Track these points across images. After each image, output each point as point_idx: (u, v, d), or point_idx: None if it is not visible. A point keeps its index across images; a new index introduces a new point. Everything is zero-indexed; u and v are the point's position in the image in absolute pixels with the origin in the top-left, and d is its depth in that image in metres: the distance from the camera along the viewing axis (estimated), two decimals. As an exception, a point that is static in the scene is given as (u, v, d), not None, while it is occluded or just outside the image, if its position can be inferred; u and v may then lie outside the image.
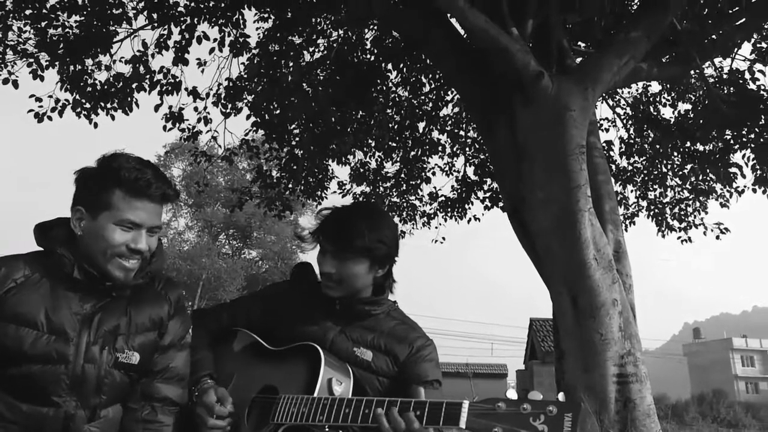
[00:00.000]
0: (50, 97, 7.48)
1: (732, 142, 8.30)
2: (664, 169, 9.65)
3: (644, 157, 9.72)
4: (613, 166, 9.67)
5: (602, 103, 9.57)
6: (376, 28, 8.42)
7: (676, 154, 9.32)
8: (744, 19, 6.14)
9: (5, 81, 7.17)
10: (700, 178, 9.36)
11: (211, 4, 7.53)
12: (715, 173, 8.86)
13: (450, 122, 9.95)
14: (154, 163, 1.71)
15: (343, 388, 1.74)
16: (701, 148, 8.91)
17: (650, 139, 9.47)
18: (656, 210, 9.95)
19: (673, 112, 9.24)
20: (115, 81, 7.63)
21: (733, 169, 8.51)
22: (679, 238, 9.92)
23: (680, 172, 9.52)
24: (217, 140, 8.64)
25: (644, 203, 10.06)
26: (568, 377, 5.00)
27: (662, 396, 32.85)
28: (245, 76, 8.17)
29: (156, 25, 7.56)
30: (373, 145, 9.59)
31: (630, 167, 9.87)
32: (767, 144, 7.85)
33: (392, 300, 2.02)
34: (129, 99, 7.69)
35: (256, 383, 1.83)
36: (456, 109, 9.81)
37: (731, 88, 7.93)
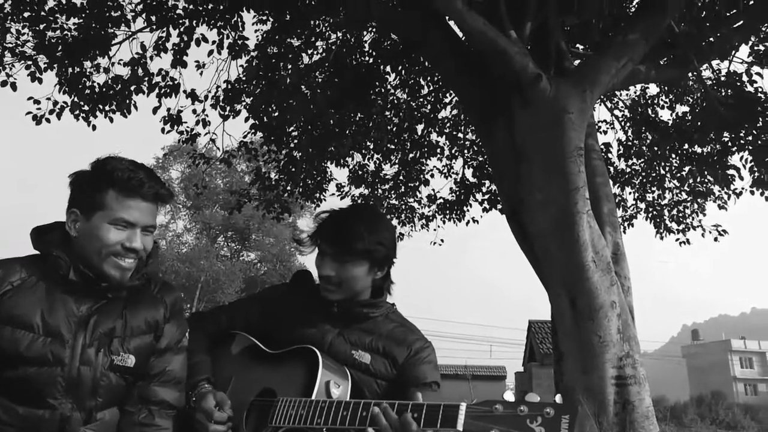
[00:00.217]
0: (48, 99, 7.48)
1: (730, 144, 8.31)
2: (663, 171, 9.66)
3: (642, 159, 9.73)
4: (612, 168, 9.68)
5: (600, 105, 9.59)
6: (374, 30, 8.43)
7: (674, 156, 9.33)
8: (741, 22, 6.15)
9: (3, 83, 7.16)
10: (698, 180, 9.36)
11: (209, 7, 7.53)
12: (713, 175, 8.87)
13: (448, 124, 9.95)
14: (147, 166, 1.73)
15: (341, 390, 1.74)
16: (699, 150, 8.92)
17: (648, 141, 9.48)
18: (654, 212, 9.96)
19: (671, 115, 9.25)
20: (114, 83, 7.62)
21: (731, 171, 8.52)
22: (677, 240, 9.93)
23: (678, 174, 9.52)
24: (216, 142, 8.64)
25: (642, 205, 10.06)
26: (567, 379, 5.00)
27: (661, 398, 32.88)
28: (244, 78, 8.17)
29: (154, 27, 7.56)
30: (371, 147, 9.60)
31: (628, 169, 9.88)
32: (765, 146, 7.86)
33: (390, 302, 2.03)
34: (127, 101, 7.68)
35: (254, 386, 1.83)
36: (454, 112, 9.82)
37: (729, 91, 7.95)
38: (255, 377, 1.85)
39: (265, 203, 9.46)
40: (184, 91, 7.88)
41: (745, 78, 7.75)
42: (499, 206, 9.39)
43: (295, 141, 8.89)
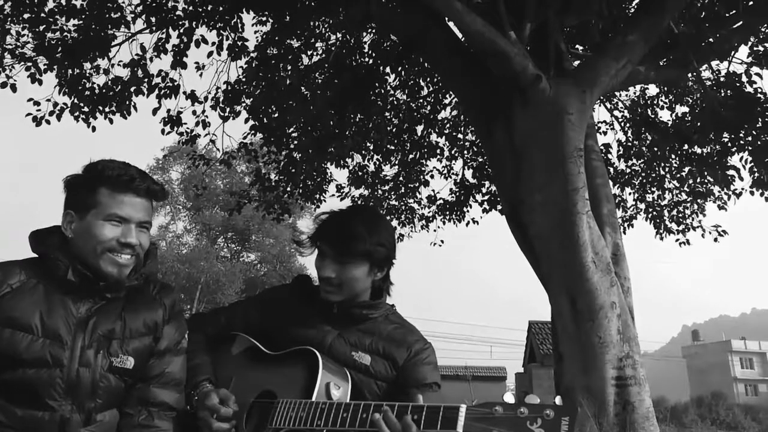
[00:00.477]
0: (48, 100, 7.49)
1: (729, 144, 8.31)
2: (662, 172, 9.66)
3: (642, 160, 9.73)
4: (611, 169, 9.68)
5: (600, 105, 9.59)
6: (374, 31, 8.43)
7: (673, 156, 9.34)
8: (741, 22, 6.16)
9: (3, 85, 7.17)
10: (698, 180, 9.37)
11: (209, 8, 7.54)
12: (713, 176, 8.88)
13: (448, 125, 9.96)
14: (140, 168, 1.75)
15: (341, 392, 1.73)
16: (699, 150, 8.92)
17: (648, 141, 9.49)
18: (654, 212, 9.96)
19: (671, 115, 9.26)
20: (114, 85, 7.63)
21: (731, 172, 8.52)
22: (677, 240, 9.94)
23: (678, 175, 9.53)
24: (216, 144, 8.66)
25: (642, 206, 10.07)
26: (567, 380, 5.00)
27: (661, 398, 32.85)
28: (243, 79, 8.18)
29: (154, 28, 7.57)
30: (371, 148, 9.60)
31: (628, 170, 9.88)
32: (764, 146, 7.86)
33: (390, 303, 2.03)
34: (127, 103, 7.69)
35: (254, 387, 1.82)
36: (454, 112, 9.82)
37: (728, 91, 7.95)
38: (255, 378, 1.85)
39: (265, 204, 9.47)
40: (184, 93, 7.89)
41: (744, 78, 7.75)
42: (499, 207, 9.39)
43: (295, 142, 8.89)
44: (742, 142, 8.12)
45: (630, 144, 9.75)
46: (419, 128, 9.69)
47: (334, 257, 1.87)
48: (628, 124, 9.79)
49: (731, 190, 9.02)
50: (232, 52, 7.85)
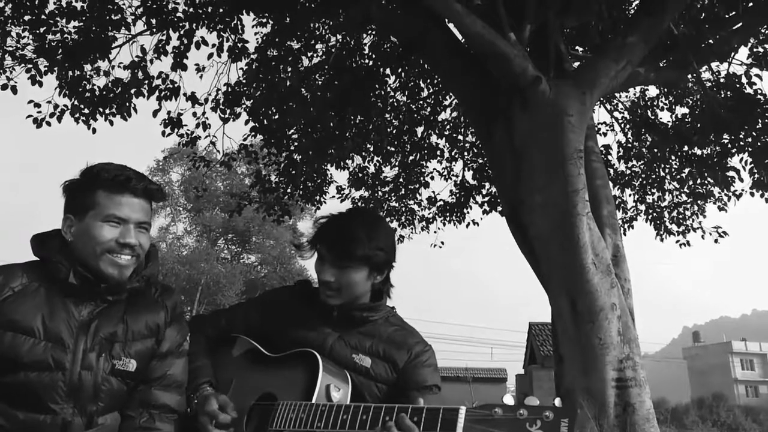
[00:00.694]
0: (49, 102, 7.50)
1: (729, 145, 8.31)
2: (662, 173, 9.66)
3: (642, 161, 9.72)
4: (611, 170, 9.68)
5: (600, 107, 9.59)
6: (374, 33, 8.44)
7: (673, 158, 9.33)
8: (741, 24, 6.16)
9: (4, 86, 7.17)
10: (698, 181, 9.36)
11: (209, 10, 7.55)
12: (713, 177, 8.87)
13: (448, 127, 9.96)
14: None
15: (341, 394, 1.74)
16: (699, 151, 8.92)
17: (648, 143, 9.48)
18: (654, 214, 9.95)
19: (671, 116, 9.25)
20: (114, 86, 7.64)
21: (731, 173, 8.52)
22: (677, 241, 9.93)
23: (678, 176, 9.52)
24: (216, 145, 8.66)
25: (642, 207, 10.06)
26: (567, 381, 5.00)
27: (662, 400, 32.85)
28: (244, 81, 8.18)
29: (155, 30, 7.58)
30: (371, 149, 9.60)
31: (628, 171, 9.88)
32: (764, 147, 7.87)
33: (390, 305, 2.03)
34: (127, 104, 7.69)
35: (254, 390, 1.83)
36: (454, 114, 9.83)
37: (728, 92, 7.95)
38: (255, 381, 1.85)
39: (266, 206, 9.47)
40: (184, 94, 7.89)
41: (744, 80, 7.76)
42: (499, 208, 9.40)
43: (295, 143, 8.90)
44: (742, 143, 8.12)
45: (630, 145, 9.75)
46: (419, 130, 9.69)
47: (333, 261, 1.87)
48: (628, 126, 9.79)
49: (731, 192, 9.01)
50: (232, 54, 7.86)
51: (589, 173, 5.50)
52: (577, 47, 7.75)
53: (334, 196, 10.05)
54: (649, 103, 9.56)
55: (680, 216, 9.83)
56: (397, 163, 9.92)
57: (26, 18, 7.05)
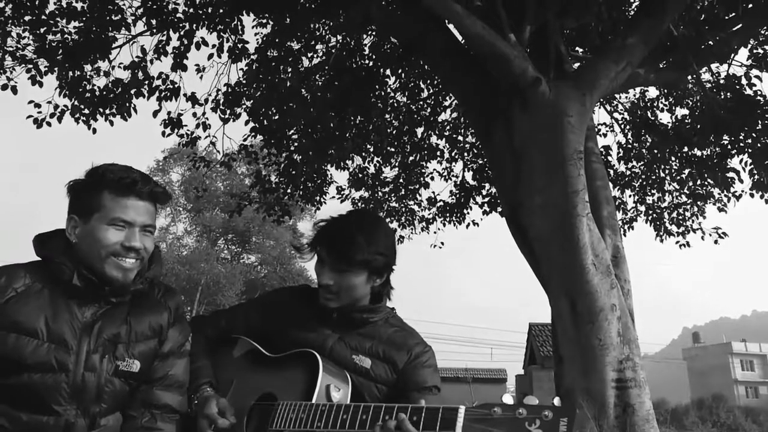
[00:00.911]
0: (49, 103, 7.50)
1: (729, 147, 8.31)
2: (662, 174, 9.65)
3: (642, 162, 9.72)
4: (611, 171, 9.68)
5: (600, 108, 9.59)
6: (374, 33, 8.45)
7: (673, 159, 9.33)
8: (740, 25, 6.17)
9: (4, 87, 7.17)
10: (698, 182, 9.36)
11: (209, 10, 7.55)
12: (713, 178, 8.87)
13: (448, 127, 9.96)
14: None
15: (341, 394, 1.74)
16: (699, 153, 8.92)
17: (648, 144, 9.48)
18: (654, 215, 9.95)
19: (671, 117, 9.26)
20: (114, 87, 7.64)
21: (731, 174, 8.51)
22: (677, 242, 9.93)
23: (678, 177, 9.52)
24: (216, 146, 8.67)
25: (642, 208, 10.05)
26: (567, 382, 5.00)
27: (661, 401, 32.85)
28: (244, 81, 8.18)
29: (155, 31, 7.58)
30: (371, 150, 9.60)
31: (628, 172, 9.87)
32: (764, 149, 7.87)
33: (390, 306, 2.03)
34: (128, 105, 7.70)
35: (255, 390, 1.83)
36: (454, 115, 9.83)
37: (728, 94, 7.95)
38: (255, 381, 1.85)
39: (266, 206, 9.47)
40: (185, 95, 7.89)
41: (744, 81, 7.77)
42: (499, 209, 9.40)
43: (295, 144, 8.90)
44: (741, 144, 8.12)
45: (630, 146, 9.75)
46: (419, 130, 9.69)
47: (332, 265, 1.87)
48: (628, 127, 9.79)
49: (731, 193, 9.01)
50: (232, 54, 7.86)
51: (589, 174, 5.50)
52: (577, 48, 7.75)
53: (334, 197, 10.07)
54: (649, 104, 9.56)
55: (680, 217, 9.83)
56: (397, 164, 9.92)
57: (26, 18, 7.05)
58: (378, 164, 9.86)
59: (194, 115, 8.12)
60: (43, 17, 7.05)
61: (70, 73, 7.43)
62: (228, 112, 8.26)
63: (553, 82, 5.32)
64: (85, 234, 1.65)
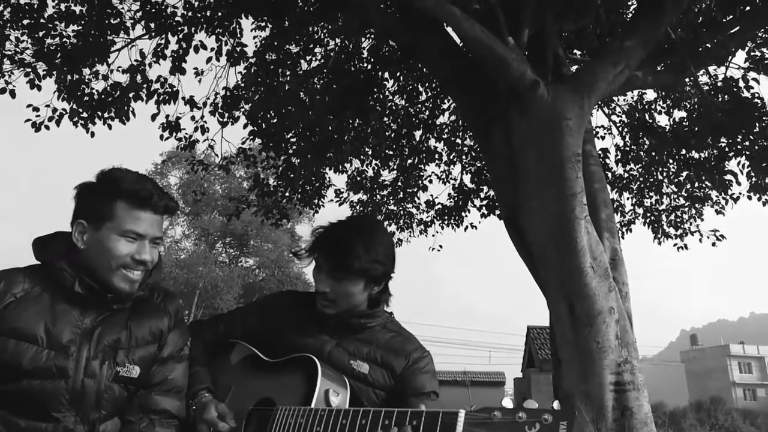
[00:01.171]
0: (47, 106, 7.49)
1: (727, 149, 8.33)
2: (660, 177, 9.67)
3: (640, 165, 9.74)
4: (609, 174, 9.69)
5: (598, 110, 9.61)
6: (372, 37, 8.46)
7: (671, 161, 9.35)
8: (738, 28, 6.18)
9: (3, 90, 7.17)
10: (696, 185, 9.37)
11: (208, 14, 7.56)
12: (711, 180, 8.89)
13: (446, 130, 9.97)
14: (151, 178, 1.73)
15: (340, 399, 1.73)
16: (697, 155, 8.94)
17: (646, 146, 9.50)
18: (652, 217, 9.97)
19: (669, 120, 9.28)
20: (113, 90, 7.64)
21: (729, 176, 8.54)
22: (675, 245, 9.95)
23: (676, 180, 9.54)
24: (214, 149, 8.65)
25: (640, 211, 10.07)
26: (565, 385, 5.00)
27: (660, 403, 32.83)
28: (242, 85, 8.19)
29: (153, 34, 7.58)
30: (369, 153, 9.61)
31: (626, 175, 9.89)
32: (762, 151, 7.89)
33: (388, 311, 2.02)
34: (126, 108, 7.69)
35: (253, 395, 1.82)
36: (452, 118, 9.84)
37: (726, 96, 7.97)
38: (254, 386, 1.85)
39: (264, 209, 9.46)
40: (183, 98, 7.89)
41: (741, 83, 7.78)
42: (498, 212, 9.40)
43: (294, 147, 8.90)
44: (739, 146, 8.15)
45: (628, 149, 9.77)
46: (417, 133, 9.70)
47: (329, 273, 1.86)
48: (625, 129, 9.81)
49: (729, 195, 9.03)
50: (230, 58, 7.87)
51: (587, 177, 5.50)
52: (575, 51, 7.77)
53: (332, 200, 10.07)
54: (646, 106, 9.59)
55: (678, 219, 9.85)
56: (395, 167, 9.93)
57: (25, 22, 7.05)
58: (376, 167, 9.87)
59: (193, 118, 8.12)
60: (42, 21, 7.05)
61: (69, 77, 7.43)
62: (226, 115, 8.26)
63: (552, 85, 5.33)
64: (95, 242, 1.62)
